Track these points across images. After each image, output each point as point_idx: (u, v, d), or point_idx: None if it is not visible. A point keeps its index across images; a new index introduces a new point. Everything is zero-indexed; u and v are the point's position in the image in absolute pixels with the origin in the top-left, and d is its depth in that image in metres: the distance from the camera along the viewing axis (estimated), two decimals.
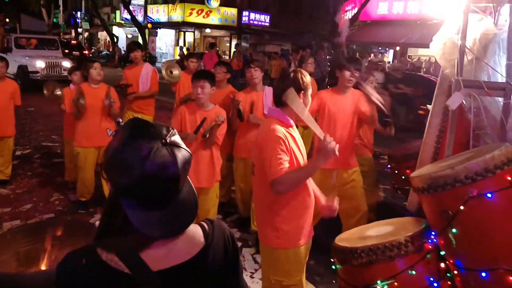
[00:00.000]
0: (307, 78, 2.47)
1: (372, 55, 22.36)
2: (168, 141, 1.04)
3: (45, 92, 5.69)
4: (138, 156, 1.00)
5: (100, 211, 4.88)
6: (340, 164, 3.77)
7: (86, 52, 27.48)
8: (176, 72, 5.77)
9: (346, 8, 20.23)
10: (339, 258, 2.27)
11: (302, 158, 2.46)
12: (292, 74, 2.44)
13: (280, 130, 2.34)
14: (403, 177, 3.79)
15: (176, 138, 1.07)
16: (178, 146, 1.06)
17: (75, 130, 4.81)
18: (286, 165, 2.28)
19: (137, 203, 1.03)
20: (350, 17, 19.74)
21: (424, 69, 19.84)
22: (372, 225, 2.59)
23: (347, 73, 3.75)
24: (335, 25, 16.47)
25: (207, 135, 3.64)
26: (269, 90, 4.39)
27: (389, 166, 4.27)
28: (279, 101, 2.43)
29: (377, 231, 2.37)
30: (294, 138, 2.44)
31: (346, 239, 2.41)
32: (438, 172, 2.02)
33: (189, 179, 1.15)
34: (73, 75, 5.44)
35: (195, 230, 1.18)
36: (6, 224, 4.44)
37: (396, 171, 4.04)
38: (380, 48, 24.99)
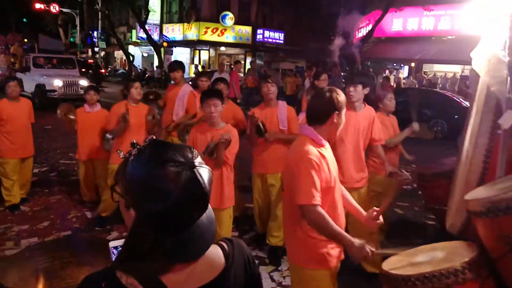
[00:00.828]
0: (342, 97, 2.41)
1: (387, 71, 22.32)
2: (196, 164, 1.02)
3: (58, 112, 5.68)
4: (170, 183, 0.98)
5: (117, 229, 4.85)
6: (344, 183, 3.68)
7: (103, 70, 27.91)
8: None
9: (361, 25, 20.29)
10: (391, 286, 2.15)
11: (333, 177, 2.39)
12: (327, 94, 2.38)
13: (313, 151, 2.28)
14: (435, 197, 3.69)
15: (200, 159, 1.06)
16: (203, 167, 1.04)
17: (114, 146, 4.80)
18: (318, 196, 2.23)
19: (167, 227, 1.01)
20: (364, 34, 19.77)
21: (440, 85, 19.68)
22: (418, 250, 2.44)
23: (347, 89, 3.79)
24: (350, 42, 16.44)
25: (214, 154, 3.51)
26: (283, 105, 4.36)
27: (418, 186, 4.16)
28: (313, 119, 2.40)
29: (427, 257, 2.24)
30: (326, 158, 2.36)
31: (394, 265, 2.27)
32: (499, 195, 1.92)
33: None
34: (87, 95, 5.41)
35: (215, 251, 1.15)
36: (24, 242, 4.43)
37: (427, 190, 3.93)
38: (395, 64, 24.94)
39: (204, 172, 1.03)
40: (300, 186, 2.23)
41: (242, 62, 31.52)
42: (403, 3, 18.28)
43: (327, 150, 2.44)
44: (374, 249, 2.27)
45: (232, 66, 28.77)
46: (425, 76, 21.47)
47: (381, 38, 21.69)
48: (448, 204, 2.90)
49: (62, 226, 4.91)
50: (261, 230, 4.71)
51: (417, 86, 19.05)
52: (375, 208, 2.53)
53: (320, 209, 2.23)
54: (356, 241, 2.25)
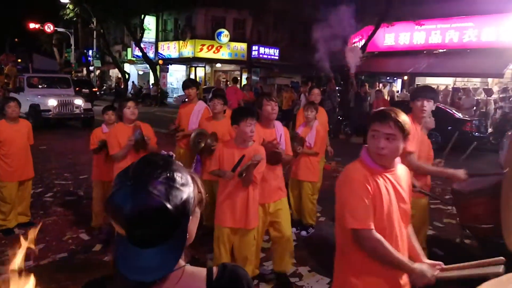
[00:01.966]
0: (404, 118, 2.16)
1: (380, 84, 22.51)
2: (132, 182, 1.02)
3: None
4: (111, 197, 1.03)
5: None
6: None
7: (95, 89, 27.91)
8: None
9: (354, 40, 20.49)
10: None
11: (393, 206, 2.15)
12: (392, 114, 2.14)
13: (361, 172, 2.13)
14: (472, 215, 3.62)
15: (173, 175, 1.05)
16: (145, 187, 1.01)
17: (114, 171, 4.63)
18: (369, 218, 2.07)
19: (132, 246, 1.03)
20: (358, 48, 19.97)
21: None
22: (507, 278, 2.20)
23: (418, 103, 3.65)
24: (344, 57, 16.61)
25: (244, 174, 3.44)
26: (280, 126, 4.19)
27: (453, 203, 4.05)
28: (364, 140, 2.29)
29: None
30: (378, 184, 2.12)
31: None
32: None
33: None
34: (105, 115, 5.33)
35: (195, 270, 1.12)
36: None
37: (464, 209, 3.84)
38: (388, 78, 25.16)
39: (168, 189, 1.02)
40: (352, 212, 2.09)
41: (238, 78, 31.79)
42: (394, 18, 18.53)
43: (389, 175, 2.18)
44: (436, 274, 2.13)
45: (229, 83, 28.97)
46: None
47: (374, 53, 21.91)
48: (503, 221, 2.78)
49: (58, 248, 4.87)
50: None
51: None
52: (437, 262, 2.25)
53: (379, 239, 2.06)
54: (417, 267, 2.11)
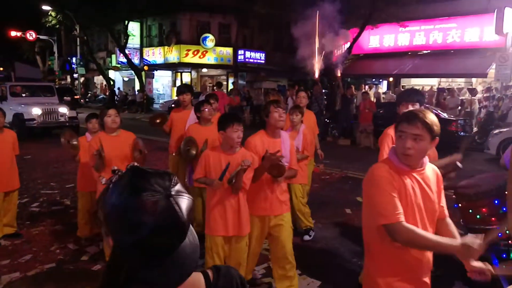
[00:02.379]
0: (433, 119, 2.14)
1: (366, 86, 22.68)
2: (173, 192, 0.99)
3: (62, 140, 5.32)
4: (145, 213, 0.95)
5: (103, 258, 4.76)
6: None
7: (77, 96, 27.58)
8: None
9: (339, 43, 20.64)
10: None
11: (418, 205, 2.16)
12: (420, 115, 2.12)
13: (385, 169, 2.15)
14: (478, 216, 3.65)
15: (179, 187, 1.02)
16: (181, 196, 1.01)
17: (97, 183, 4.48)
18: (400, 209, 2.05)
19: (143, 257, 0.99)
20: (343, 51, 20.13)
21: None
22: None
23: (403, 108, 3.61)
24: (330, 60, 16.72)
25: (233, 181, 3.38)
26: (286, 137, 3.91)
27: (457, 204, 4.06)
28: None
29: None
30: (406, 184, 2.14)
31: None
32: None
33: (191, 227, 1.09)
34: (88, 123, 5.24)
35: (195, 279, 1.11)
36: (5, 277, 4.28)
37: (470, 210, 3.87)
38: (374, 79, 25.37)
39: (181, 201, 1.00)
40: (381, 207, 2.08)
41: (224, 82, 31.76)
42: (379, 20, 18.70)
43: (416, 175, 2.18)
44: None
45: (215, 88, 28.93)
46: (403, 90, 21.86)
47: (359, 55, 22.11)
48: (510, 221, 2.80)
49: (45, 258, 4.77)
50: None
51: (396, 100, 19.34)
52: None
53: (413, 229, 2.04)
54: (459, 242, 2.00)
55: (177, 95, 5.98)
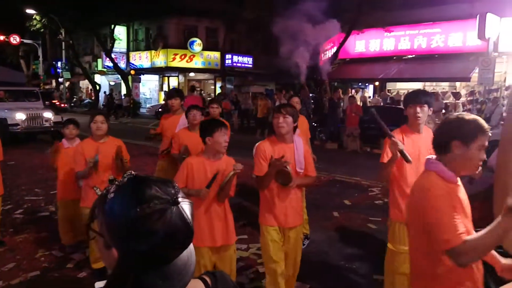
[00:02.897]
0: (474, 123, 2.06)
1: (353, 90, 22.86)
2: (179, 199, 1.00)
3: (49, 151, 5.22)
4: (156, 221, 0.96)
5: (89, 265, 4.69)
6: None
7: (56, 101, 26.98)
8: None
9: (326, 48, 20.78)
10: None
11: (469, 221, 2.08)
12: (456, 120, 2.07)
13: (444, 187, 2.00)
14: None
15: (181, 193, 1.04)
16: (186, 202, 1.02)
17: (82, 188, 4.39)
18: (463, 228, 1.91)
19: (151, 265, 0.99)
20: (330, 56, 20.27)
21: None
22: None
23: (411, 110, 3.47)
24: (317, 64, 16.82)
25: (225, 188, 3.31)
26: (299, 142, 3.65)
27: None
28: (440, 151, 2.10)
29: None
30: (460, 198, 2.07)
31: None
32: None
33: None
34: (65, 129, 5.14)
35: (195, 286, 1.12)
36: None
37: None
38: (360, 84, 25.57)
39: (187, 207, 1.02)
40: (443, 231, 1.91)
41: (212, 87, 31.70)
42: (365, 25, 18.87)
43: (461, 189, 2.11)
44: None
45: (203, 92, 28.86)
46: (389, 94, 22.10)
47: (345, 60, 22.27)
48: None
49: (30, 266, 4.68)
50: None
51: (382, 104, 19.56)
52: None
53: (469, 240, 1.88)
54: (500, 219, 1.81)
55: (166, 100, 5.90)
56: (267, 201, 3.54)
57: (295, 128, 3.58)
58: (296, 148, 3.56)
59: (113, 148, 4.29)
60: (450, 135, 2.04)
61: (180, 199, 1.00)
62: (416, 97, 3.50)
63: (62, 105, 27.94)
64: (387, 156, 3.49)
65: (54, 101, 25.84)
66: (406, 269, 3.53)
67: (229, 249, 3.52)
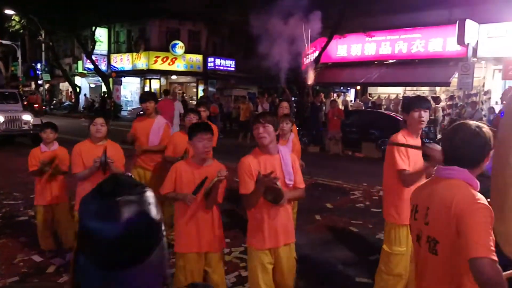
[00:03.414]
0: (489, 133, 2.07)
1: (335, 94, 23.03)
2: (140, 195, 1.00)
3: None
4: (119, 215, 0.95)
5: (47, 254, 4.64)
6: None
7: (36, 105, 26.29)
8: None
9: (308, 52, 20.89)
10: None
11: None
12: (484, 131, 2.03)
13: (481, 197, 1.92)
14: None
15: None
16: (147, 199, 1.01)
17: (77, 191, 4.33)
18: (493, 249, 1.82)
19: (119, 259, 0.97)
20: (312, 60, 20.39)
21: (385, 106, 20.55)
22: None
23: (415, 114, 3.51)
24: (299, 68, 16.90)
25: (210, 194, 3.26)
26: (285, 152, 3.40)
27: None
28: (468, 160, 2.04)
29: None
30: None
31: None
32: None
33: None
34: (43, 133, 5.06)
35: None
36: None
37: None
38: (341, 88, 25.79)
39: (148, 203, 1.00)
40: (478, 242, 1.80)
41: (194, 89, 31.53)
42: (346, 30, 19.07)
43: None
44: None
45: (185, 95, 28.72)
46: (370, 98, 22.35)
47: (327, 64, 22.43)
48: (499, 230, 2.81)
49: (8, 271, 4.59)
50: None
51: (363, 108, 19.78)
52: None
53: (498, 266, 1.79)
54: None
55: (140, 103, 5.72)
56: (256, 221, 3.27)
57: (278, 137, 3.34)
58: (282, 158, 3.28)
59: (111, 151, 4.29)
60: (487, 148, 2.04)
61: (112, 199, 0.97)
62: (420, 102, 3.61)
63: (42, 107, 27.37)
64: (404, 162, 3.46)
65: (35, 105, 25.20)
66: (401, 270, 3.61)
67: (216, 258, 3.48)
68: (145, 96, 5.65)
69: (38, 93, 31.86)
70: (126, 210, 0.95)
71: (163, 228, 1.03)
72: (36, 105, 25.52)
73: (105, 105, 27.62)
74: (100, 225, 0.94)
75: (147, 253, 0.98)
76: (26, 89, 35.97)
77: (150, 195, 1.01)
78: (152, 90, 30.82)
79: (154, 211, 0.99)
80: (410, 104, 3.65)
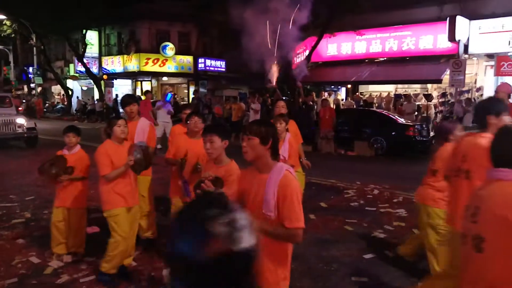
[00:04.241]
0: None
1: (326, 93, 23.15)
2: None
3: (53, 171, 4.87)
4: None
5: (67, 271, 4.67)
6: None
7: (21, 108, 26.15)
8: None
9: (298, 51, 20.99)
10: None
11: None
12: None
13: None
14: None
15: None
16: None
17: (102, 191, 4.36)
18: None
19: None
20: (302, 59, 20.48)
21: (376, 104, 20.64)
22: None
23: (506, 119, 3.26)
24: (289, 68, 17.00)
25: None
26: (276, 176, 3.16)
27: None
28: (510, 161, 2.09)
29: None
30: None
31: None
32: None
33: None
34: (65, 137, 4.94)
35: None
36: None
37: None
38: (332, 86, 25.90)
39: None
40: None
41: (185, 91, 31.48)
42: (336, 29, 19.16)
43: None
44: None
45: (176, 96, 28.71)
46: (361, 96, 22.44)
47: (318, 63, 22.53)
48: None
49: (7, 273, 4.63)
50: None
51: (355, 106, 19.88)
52: None
53: None
54: None
55: (122, 108, 5.52)
56: None
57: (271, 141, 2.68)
58: (268, 181, 2.54)
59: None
60: None
61: (197, 224, 0.99)
62: (503, 106, 3.42)
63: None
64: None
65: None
66: None
67: None
68: (127, 100, 5.44)
69: (40, 96, 31.88)
70: (218, 234, 0.95)
71: (255, 254, 1.01)
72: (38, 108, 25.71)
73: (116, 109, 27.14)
74: (191, 248, 0.94)
75: (236, 283, 0.97)
76: (19, 92, 35.78)
77: (242, 216, 1.00)
78: (143, 92, 30.81)
79: (246, 238, 0.97)
80: (494, 107, 3.36)
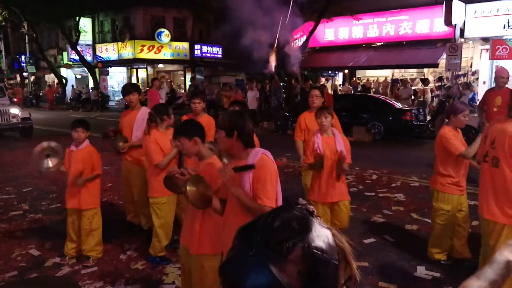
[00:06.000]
0: None
1: (323, 79, 23.06)
2: None
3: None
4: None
5: (67, 264, 4.62)
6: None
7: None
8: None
9: (295, 36, 20.82)
10: None
11: None
12: None
13: None
14: None
15: None
16: None
17: (154, 180, 4.38)
18: None
19: None
20: (299, 44, 20.33)
21: (374, 89, 20.61)
22: None
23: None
24: (287, 53, 16.86)
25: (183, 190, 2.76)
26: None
27: None
28: None
29: None
30: None
31: None
32: None
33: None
34: (74, 132, 4.64)
35: None
36: None
37: None
38: (330, 72, 25.80)
39: None
40: None
41: (182, 78, 31.27)
42: (333, 13, 18.99)
43: None
44: None
45: (172, 83, 28.55)
46: (359, 82, 22.39)
47: (315, 48, 22.39)
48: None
49: (6, 267, 4.59)
50: None
51: (352, 92, 19.82)
52: None
53: None
54: None
55: (123, 96, 5.45)
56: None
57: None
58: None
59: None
60: None
61: (256, 252, 0.83)
62: None
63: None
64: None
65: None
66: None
67: (195, 259, 3.05)
68: (128, 88, 5.35)
69: (19, 85, 31.44)
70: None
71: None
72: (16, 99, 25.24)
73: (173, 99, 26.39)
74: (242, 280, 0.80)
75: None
76: (12, 82, 35.45)
77: (316, 251, 0.84)
78: (140, 80, 30.57)
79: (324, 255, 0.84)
80: None
